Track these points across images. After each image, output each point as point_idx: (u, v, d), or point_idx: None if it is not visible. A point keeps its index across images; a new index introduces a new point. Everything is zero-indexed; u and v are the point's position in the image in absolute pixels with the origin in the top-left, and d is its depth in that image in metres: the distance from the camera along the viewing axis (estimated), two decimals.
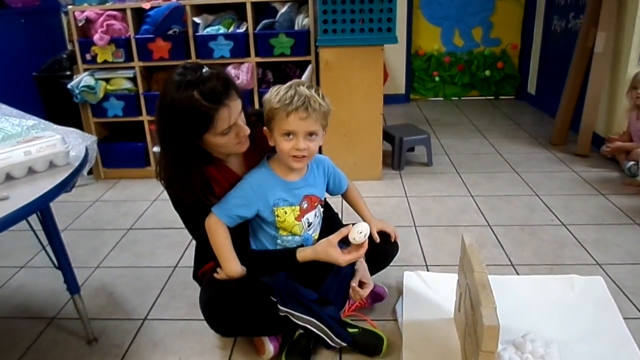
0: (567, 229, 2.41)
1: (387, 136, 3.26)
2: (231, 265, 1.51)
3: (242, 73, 2.95)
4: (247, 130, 1.50)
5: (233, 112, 1.42)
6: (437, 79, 5.13)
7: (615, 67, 3.38)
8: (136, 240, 2.46)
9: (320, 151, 2.99)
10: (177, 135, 1.40)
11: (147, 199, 2.92)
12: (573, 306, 1.80)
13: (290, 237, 1.58)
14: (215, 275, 1.55)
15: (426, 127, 4.11)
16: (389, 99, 4.83)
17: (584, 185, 2.93)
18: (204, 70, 1.39)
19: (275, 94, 1.46)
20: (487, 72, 5.06)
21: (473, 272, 1.40)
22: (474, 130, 4.08)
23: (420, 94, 5.20)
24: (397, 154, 3.21)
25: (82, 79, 3.04)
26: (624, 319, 1.74)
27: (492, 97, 5.17)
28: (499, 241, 2.31)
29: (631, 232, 2.36)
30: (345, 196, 1.82)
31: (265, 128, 1.52)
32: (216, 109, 1.37)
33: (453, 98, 5.19)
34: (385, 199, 2.83)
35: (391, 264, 1.91)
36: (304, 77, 2.89)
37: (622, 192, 2.82)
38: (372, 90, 2.89)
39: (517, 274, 2.05)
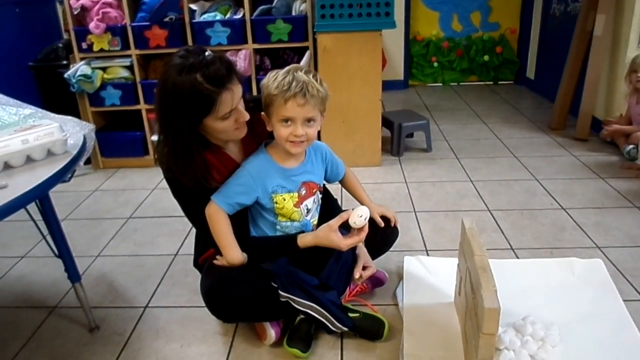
0: (567, 212, 2.41)
1: (386, 122, 3.25)
2: (232, 252, 1.51)
3: (240, 60, 2.93)
4: (247, 116, 1.50)
5: (235, 97, 1.42)
6: (435, 64, 5.10)
7: (614, 50, 3.36)
8: (136, 228, 2.46)
9: (319, 138, 3.00)
10: (178, 118, 1.40)
11: (146, 188, 2.92)
12: (573, 289, 1.81)
13: (289, 224, 1.58)
14: (215, 262, 1.55)
15: (425, 113, 4.10)
16: (387, 85, 4.80)
17: (583, 169, 2.92)
18: (207, 53, 1.38)
19: (273, 80, 1.46)
20: (486, 57, 5.04)
21: (473, 256, 1.40)
22: (473, 116, 4.07)
23: (418, 80, 5.18)
24: (396, 140, 3.21)
25: (79, 68, 3.02)
26: (624, 301, 1.75)
27: (491, 82, 5.15)
28: (498, 225, 2.31)
29: (630, 216, 2.37)
30: (343, 183, 1.82)
31: (263, 114, 1.52)
32: (219, 93, 1.37)
33: (452, 83, 5.17)
34: (385, 185, 2.82)
35: (391, 249, 1.91)
36: (302, 63, 2.87)
37: (621, 175, 2.81)
38: (371, 76, 2.87)
39: (517, 257, 2.05)
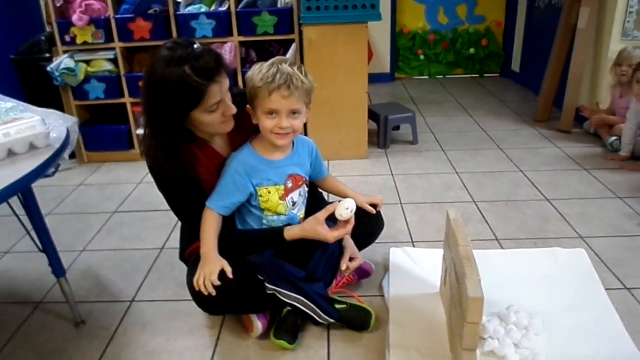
0: (551, 203, 2.44)
1: (372, 115, 3.26)
2: (208, 264, 1.47)
3: (225, 52, 2.91)
4: (234, 109, 1.49)
5: (223, 89, 1.43)
6: (421, 57, 5.12)
7: (598, 43, 3.39)
8: (122, 223, 2.45)
9: (305, 131, 2.99)
10: (165, 110, 1.39)
11: (131, 182, 2.90)
12: (556, 278, 1.83)
13: (275, 217, 1.58)
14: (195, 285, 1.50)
15: (411, 105, 4.12)
16: (373, 78, 4.80)
17: (567, 161, 2.96)
18: (195, 46, 1.38)
19: (258, 72, 1.45)
20: (472, 50, 5.06)
21: (457, 246, 1.41)
22: (458, 108, 4.09)
23: (405, 73, 5.18)
24: (382, 132, 3.21)
25: (62, 61, 2.98)
26: (606, 289, 1.77)
27: (477, 75, 5.18)
28: (483, 217, 2.33)
29: (613, 206, 2.40)
30: (324, 183, 1.80)
31: (248, 106, 1.51)
32: (207, 85, 1.37)
33: (438, 76, 5.19)
34: (371, 177, 2.83)
35: (377, 240, 1.92)
36: (288, 55, 2.87)
37: (604, 166, 2.85)
38: (357, 68, 2.88)
39: (502, 248, 2.08)
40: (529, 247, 2.06)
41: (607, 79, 3.27)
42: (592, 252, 2.02)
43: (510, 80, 4.97)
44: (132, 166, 3.11)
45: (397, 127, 3.46)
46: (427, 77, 5.19)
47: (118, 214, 2.53)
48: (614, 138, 3.06)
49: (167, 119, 1.41)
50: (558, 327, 1.58)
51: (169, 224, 2.35)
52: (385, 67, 5.07)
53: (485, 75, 5.17)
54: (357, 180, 2.77)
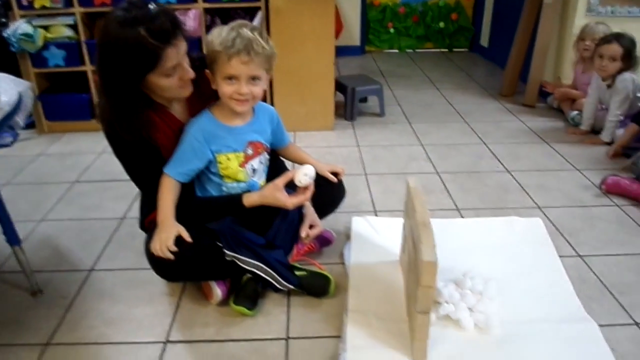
0: (512, 175, 2.49)
1: (340, 86, 3.25)
2: (165, 230, 1.46)
3: (189, 19, 2.85)
4: (191, 74, 1.47)
5: (180, 52, 1.40)
6: (392, 30, 5.09)
7: (563, 18, 3.43)
8: (82, 193, 2.40)
9: (271, 102, 2.97)
10: (120, 74, 1.36)
11: (93, 152, 2.84)
12: (512, 246, 1.88)
13: (235, 184, 1.57)
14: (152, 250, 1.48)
15: (380, 78, 4.10)
16: (343, 51, 4.78)
17: (529, 134, 3.01)
18: (151, 6, 1.34)
19: (217, 36, 1.43)
20: (442, 24, 5.06)
21: (415, 213, 1.43)
22: (427, 82, 4.11)
23: (375, 46, 5.16)
24: (349, 104, 3.21)
25: (19, 27, 2.86)
26: (560, 257, 1.83)
27: (446, 50, 5.19)
28: (446, 187, 2.36)
29: (571, 177, 2.46)
30: (286, 151, 1.79)
31: (207, 70, 1.49)
32: (163, 48, 1.34)
33: (408, 50, 5.18)
34: (337, 148, 2.83)
35: (340, 210, 1.93)
36: (254, 24, 2.81)
37: (565, 140, 2.92)
38: (324, 39, 2.85)
39: (462, 217, 2.12)
40: (489, 217, 2.10)
41: (572, 54, 3.31)
42: (549, 222, 2.07)
43: (478, 55, 5.00)
44: (93, 136, 3.03)
45: (364, 100, 3.46)
46: (397, 50, 5.18)
47: (78, 184, 2.48)
48: (575, 112, 3.13)
49: (122, 83, 1.38)
50: (512, 292, 1.63)
51: (130, 194, 2.31)
52: (356, 40, 5.03)
53: (455, 50, 5.19)
54: (322, 152, 2.76)
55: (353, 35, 4.99)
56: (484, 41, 4.94)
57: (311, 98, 2.98)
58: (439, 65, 4.64)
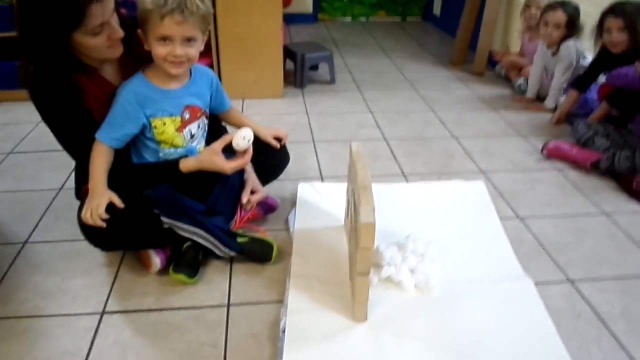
0: (458, 140, 2.52)
1: (290, 53, 3.19)
2: (96, 196, 1.41)
3: None
4: (120, 32, 1.40)
5: (106, 9, 1.32)
6: None
7: None
8: (17, 164, 2.29)
9: (218, 69, 2.89)
10: (43, 33, 1.28)
11: (30, 122, 2.70)
12: (455, 208, 1.91)
13: (172, 150, 1.52)
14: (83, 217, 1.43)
15: (332, 47, 4.06)
16: (296, 18, 4.71)
17: (477, 102, 3.05)
18: None
19: None
20: None
21: (357, 176, 1.42)
22: (379, 51, 4.09)
23: (328, 14, 5.09)
24: (299, 71, 3.16)
25: None
26: (501, 219, 1.87)
27: (400, 19, 5.17)
28: (393, 153, 2.37)
29: (515, 143, 2.51)
30: (227, 116, 1.74)
31: (139, 30, 1.41)
32: (87, 4, 1.26)
33: (361, 18, 5.13)
34: (286, 116, 2.79)
35: (287, 177, 1.92)
36: None
37: (511, 107, 2.97)
38: (271, 2, 2.77)
39: (407, 182, 2.13)
40: (433, 181, 2.12)
41: (519, 23, 3.35)
42: (491, 186, 2.11)
43: (431, 24, 5.01)
44: (31, 105, 2.87)
45: (315, 67, 3.42)
46: (350, 18, 5.12)
47: (13, 155, 2.36)
48: (521, 80, 3.18)
49: (46, 43, 1.30)
50: (453, 253, 1.66)
51: (69, 164, 2.17)
52: (308, 7, 4.95)
53: (408, 19, 5.18)
54: (271, 120, 2.72)
55: (306, 2, 4.91)
56: (437, 10, 4.94)
57: (260, 65, 2.91)
58: (391, 35, 4.62)
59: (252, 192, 1.65)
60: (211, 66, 2.86)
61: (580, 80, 2.68)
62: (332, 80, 3.28)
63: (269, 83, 2.97)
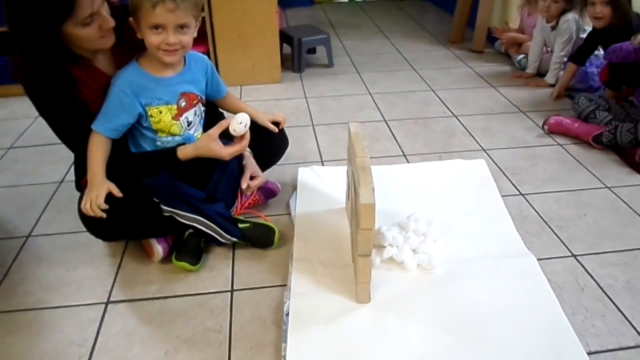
0: (458, 119, 2.50)
1: (286, 38, 3.16)
2: (95, 187, 1.41)
3: None
4: (111, 22, 1.38)
5: (95, 0, 1.29)
6: None
7: None
8: (17, 158, 2.29)
9: (215, 56, 2.87)
10: (33, 25, 1.27)
11: (29, 116, 2.69)
12: (456, 187, 1.90)
13: (170, 138, 1.51)
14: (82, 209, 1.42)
15: (329, 29, 4.02)
16: (292, 2, 4.67)
17: (477, 79, 3.02)
18: None
19: None
20: None
21: (355, 158, 1.41)
22: (376, 32, 4.05)
23: None
24: (296, 55, 3.13)
25: None
26: (503, 196, 1.86)
27: None
28: (393, 134, 2.36)
29: (516, 120, 2.49)
30: (224, 102, 1.72)
31: (131, 19, 1.40)
32: None
33: (358, 0, 5.07)
34: (284, 101, 2.78)
35: (287, 161, 1.91)
36: None
37: (511, 84, 2.94)
38: None
39: (408, 163, 2.12)
40: (434, 161, 2.11)
41: None
42: (493, 163, 2.10)
43: (429, 3, 4.95)
44: (28, 100, 2.85)
45: (313, 51, 3.39)
46: (346, 0, 5.06)
47: (13, 150, 2.36)
48: (521, 56, 3.15)
49: (36, 36, 1.29)
50: (455, 232, 1.65)
51: (69, 157, 2.14)
52: None
53: None
54: (270, 105, 2.71)
55: None
56: None
57: (256, 50, 2.89)
58: (388, 14, 4.57)
59: (252, 178, 1.64)
60: (207, 53, 2.84)
61: (578, 54, 2.65)
62: (330, 64, 3.25)
63: (266, 68, 2.95)
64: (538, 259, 1.54)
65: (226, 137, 1.50)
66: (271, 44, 2.90)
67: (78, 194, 1.70)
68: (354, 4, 4.99)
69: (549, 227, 1.72)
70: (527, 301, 1.40)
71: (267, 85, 2.96)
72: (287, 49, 3.18)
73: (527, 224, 1.74)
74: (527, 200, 1.86)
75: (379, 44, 3.72)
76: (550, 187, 1.94)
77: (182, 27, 1.37)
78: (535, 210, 1.80)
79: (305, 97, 2.80)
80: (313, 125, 2.46)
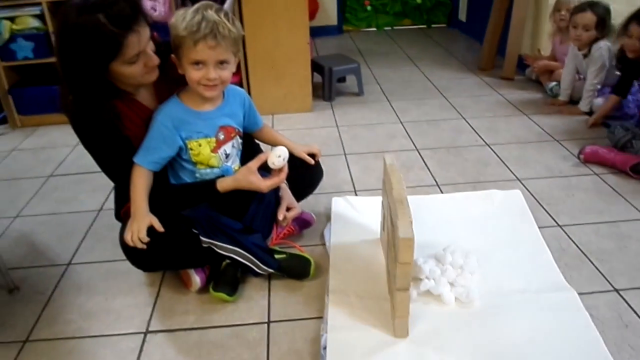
0: (491, 148, 2.49)
1: (317, 67, 3.20)
2: (138, 221, 1.43)
3: (159, 4, 2.78)
4: (156, 60, 1.43)
5: (142, 39, 1.35)
6: (369, 8, 5.04)
7: None
8: (57, 187, 2.35)
9: (248, 86, 2.93)
10: (81, 64, 1.32)
11: (68, 145, 2.78)
12: (492, 218, 1.88)
13: (208, 170, 1.54)
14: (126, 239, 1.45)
15: (358, 57, 4.07)
16: (320, 31, 4.74)
17: (508, 107, 3.00)
18: None
19: (182, 20, 1.38)
20: (419, 0, 5.01)
21: (392, 190, 1.42)
22: (405, 59, 4.08)
23: (352, 25, 5.10)
24: (327, 84, 3.17)
25: None
26: (540, 228, 1.83)
27: (425, 26, 5.15)
28: (425, 163, 2.36)
29: (550, 149, 2.47)
30: (261, 134, 1.76)
31: (173, 55, 1.44)
32: (124, 35, 1.30)
33: (386, 28, 5.13)
34: (316, 129, 2.81)
35: (320, 191, 1.92)
36: (226, 6, 2.75)
37: (544, 112, 2.91)
38: (297, 18, 2.80)
39: (442, 193, 2.11)
40: (468, 191, 2.09)
41: (549, 26, 3.30)
42: (528, 193, 2.07)
43: (457, 30, 4.97)
44: (68, 129, 2.85)
45: (343, 79, 3.43)
46: (375, 29, 5.13)
47: (53, 178, 2.44)
48: (553, 83, 3.12)
49: (84, 73, 1.34)
50: (492, 264, 1.63)
51: (107, 186, 2.25)
52: (333, 19, 4.97)
53: (433, 25, 5.15)
54: (302, 134, 2.74)
55: (330, 14, 4.93)
56: (462, 16, 4.90)
57: (288, 80, 2.94)
58: (417, 42, 4.60)
59: (288, 209, 1.66)
60: (240, 83, 2.90)
61: (619, 86, 2.63)
62: (360, 92, 3.28)
63: (298, 97, 2.99)
64: (579, 293, 1.50)
65: (264, 169, 1.52)
66: (303, 74, 2.95)
67: (116, 223, 1.75)
68: (382, 32, 5.04)
69: (589, 259, 1.69)
70: (568, 337, 1.37)
71: (299, 113, 3.00)
72: (317, 77, 3.23)
73: (566, 256, 1.71)
74: (565, 232, 1.83)
75: (408, 72, 3.74)
76: (589, 218, 1.91)
77: (222, 63, 1.41)
78: (574, 242, 1.77)
79: (337, 126, 2.83)
80: (345, 154, 2.48)
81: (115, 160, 1.49)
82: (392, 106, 3.08)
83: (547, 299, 1.49)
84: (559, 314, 1.44)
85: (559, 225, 1.87)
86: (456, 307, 1.48)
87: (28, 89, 3.05)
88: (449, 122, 2.81)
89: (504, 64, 3.51)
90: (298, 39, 2.84)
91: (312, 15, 4.24)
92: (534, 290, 1.53)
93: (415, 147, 2.53)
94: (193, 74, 1.41)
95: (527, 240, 1.77)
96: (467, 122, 2.81)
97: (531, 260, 1.67)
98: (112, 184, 2.22)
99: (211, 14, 1.37)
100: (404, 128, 2.76)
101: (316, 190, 1.93)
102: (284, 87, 2.95)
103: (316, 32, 4.61)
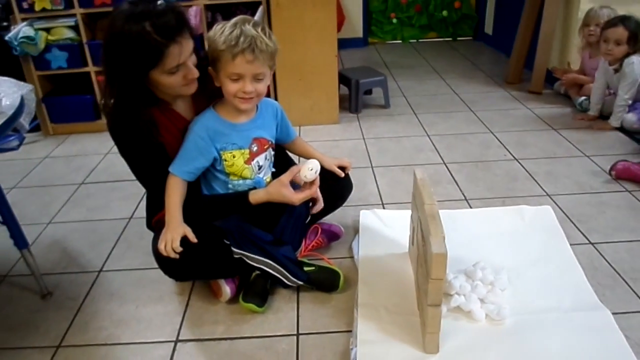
0: (520, 163, 2.46)
1: (344, 79, 3.22)
2: (172, 229, 1.46)
3: (191, 17, 2.83)
4: (196, 73, 1.46)
5: (184, 51, 1.38)
6: (394, 20, 5.05)
7: (568, 3, 3.38)
8: (89, 194, 2.40)
9: (275, 97, 2.95)
10: (124, 68, 1.36)
11: (99, 153, 2.84)
12: (522, 235, 1.86)
13: (241, 182, 1.56)
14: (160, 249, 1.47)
15: (384, 70, 4.08)
16: (346, 43, 4.76)
17: (536, 121, 2.98)
18: (158, 2, 1.33)
19: (220, 34, 1.40)
20: (445, 13, 5.01)
21: (423, 205, 1.41)
22: (431, 72, 4.07)
23: (378, 37, 5.12)
24: (353, 96, 3.18)
25: (21, 30, 2.86)
26: (571, 244, 1.81)
27: (450, 39, 5.14)
28: (453, 178, 2.34)
29: (580, 164, 2.43)
30: (293, 146, 1.79)
31: (210, 68, 1.47)
32: (167, 45, 1.33)
33: (411, 40, 5.14)
34: (342, 141, 2.82)
35: (348, 203, 1.92)
36: (256, 18, 2.79)
37: (573, 126, 2.88)
38: (326, 31, 2.82)
39: (471, 207, 2.09)
40: (497, 206, 2.08)
41: (578, 39, 3.27)
42: (559, 209, 2.05)
43: (483, 43, 4.95)
44: (99, 137, 3.04)
45: (369, 92, 3.44)
46: (400, 41, 5.14)
47: (85, 186, 2.48)
48: (583, 98, 3.09)
49: (126, 78, 1.38)
50: (523, 281, 1.61)
51: (137, 194, 2.31)
52: (358, 32, 5.00)
53: (459, 38, 5.14)
54: (328, 145, 2.75)
55: (355, 27, 4.95)
56: (488, 29, 4.88)
57: (315, 92, 2.96)
58: (443, 55, 4.60)
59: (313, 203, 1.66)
60: (268, 94, 2.93)
61: None
62: (386, 104, 3.29)
63: (325, 109, 3.01)
64: (613, 313, 1.48)
65: (295, 182, 1.54)
66: (330, 86, 2.97)
67: (147, 231, 1.77)
68: (408, 45, 5.05)
69: (622, 278, 1.66)
70: (602, 358, 1.34)
71: (326, 125, 3.01)
72: (343, 89, 3.24)
73: (599, 274, 1.68)
74: (597, 250, 1.80)
75: (434, 85, 3.74)
76: (621, 236, 1.87)
77: (258, 76, 1.44)
78: (607, 261, 1.74)
79: (363, 138, 2.84)
80: (372, 167, 2.48)
81: (149, 167, 1.51)
82: (418, 119, 3.08)
83: (580, 319, 1.47)
84: (593, 334, 1.42)
85: (590, 242, 1.85)
86: (487, 324, 1.46)
87: (61, 98, 3.13)
88: (477, 136, 2.79)
89: (531, 78, 3.49)
90: (326, 52, 2.87)
91: (338, 27, 4.26)
92: (566, 309, 1.51)
93: (443, 160, 2.52)
94: (230, 87, 1.43)
95: (559, 257, 1.75)
96: (494, 136, 2.79)
97: (563, 278, 1.65)
98: (142, 192, 2.27)
99: (249, 28, 1.39)
100: (431, 141, 2.75)
101: (344, 203, 1.93)
102: (311, 98, 2.97)
103: (342, 45, 4.62)
